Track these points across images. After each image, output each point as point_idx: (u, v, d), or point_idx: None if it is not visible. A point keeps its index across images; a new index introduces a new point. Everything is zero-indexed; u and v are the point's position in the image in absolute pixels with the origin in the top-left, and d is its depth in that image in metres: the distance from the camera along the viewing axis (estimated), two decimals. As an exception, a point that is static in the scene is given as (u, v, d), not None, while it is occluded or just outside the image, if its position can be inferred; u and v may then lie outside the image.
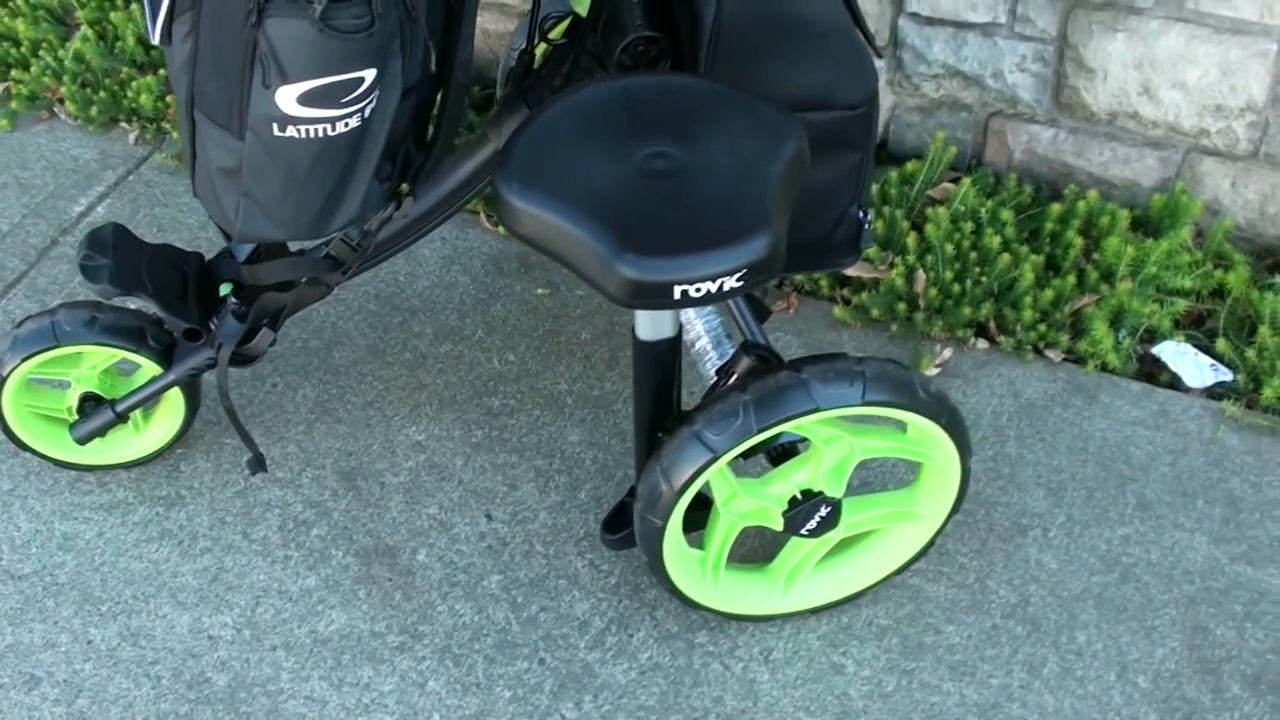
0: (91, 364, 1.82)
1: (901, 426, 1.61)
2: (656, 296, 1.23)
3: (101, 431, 1.84)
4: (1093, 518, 1.87)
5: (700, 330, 1.67)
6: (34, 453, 1.90)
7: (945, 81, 2.24)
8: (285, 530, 1.89)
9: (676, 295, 1.23)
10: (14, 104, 2.50)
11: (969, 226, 2.14)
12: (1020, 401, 2.03)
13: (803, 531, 1.62)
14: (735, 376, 1.56)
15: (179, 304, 1.74)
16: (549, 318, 2.16)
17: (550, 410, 2.03)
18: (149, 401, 1.84)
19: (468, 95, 1.56)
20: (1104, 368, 2.06)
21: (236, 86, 1.33)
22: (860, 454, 1.60)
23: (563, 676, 1.72)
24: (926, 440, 1.59)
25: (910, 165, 2.24)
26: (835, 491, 1.60)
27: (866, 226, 1.75)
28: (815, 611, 1.77)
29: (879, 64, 2.26)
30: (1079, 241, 2.12)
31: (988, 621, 1.76)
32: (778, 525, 1.62)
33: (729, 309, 1.72)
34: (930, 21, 2.18)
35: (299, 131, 1.33)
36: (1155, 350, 2.07)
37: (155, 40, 1.37)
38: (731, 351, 1.61)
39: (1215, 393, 2.03)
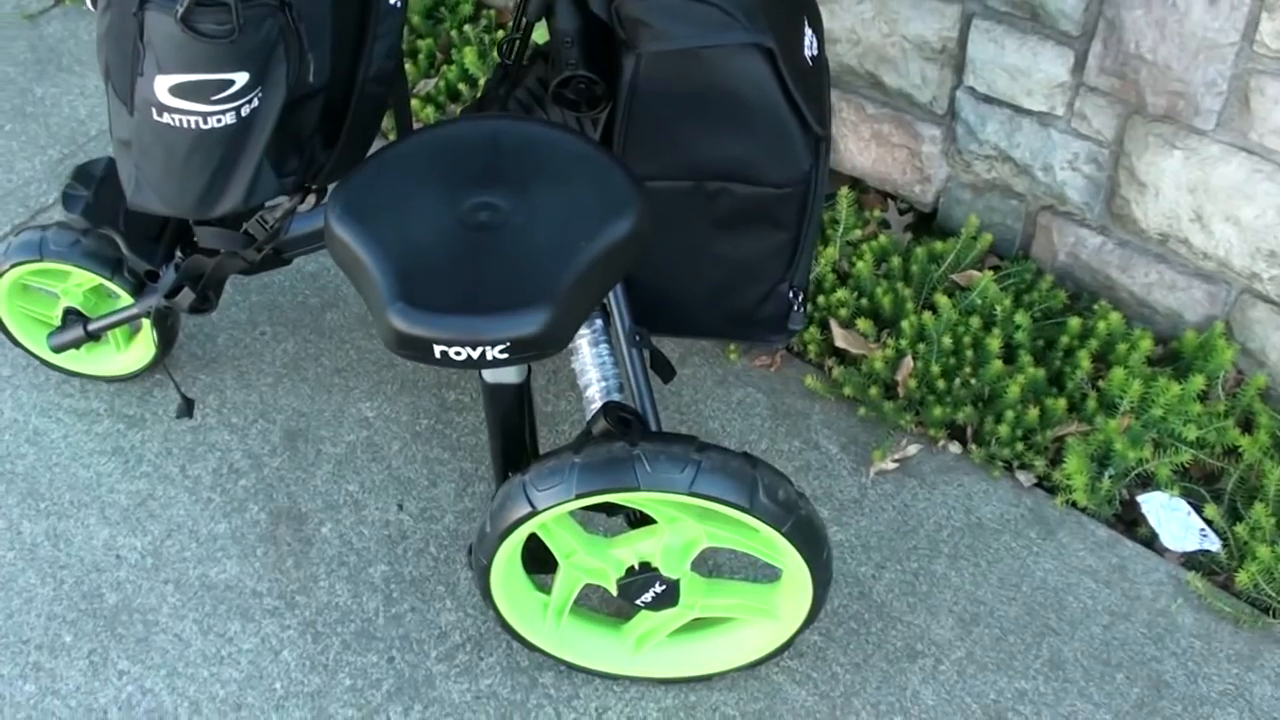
0: (77, 282, 1.96)
1: (756, 523, 1.54)
2: (416, 350, 1.22)
3: (75, 344, 1.98)
4: (994, 662, 1.74)
5: (593, 379, 1.64)
6: (25, 350, 2.06)
7: (997, 165, 2.09)
8: (218, 474, 1.99)
9: (436, 354, 1.22)
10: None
11: (977, 322, 2.01)
12: (970, 519, 1.90)
13: (637, 602, 1.59)
14: (591, 435, 1.53)
15: (148, 245, 1.84)
16: (536, 324, 2.16)
17: (497, 416, 2.04)
18: (117, 326, 1.96)
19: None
20: (1075, 505, 1.90)
21: (129, 67, 1.39)
22: (709, 540, 1.55)
23: (404, 680, 1.75)
24: (773, 545, 1.52)
25: (940, 244, 2.12)
26: (673, 571, 1.55)
27: (797, 308, 1.68)
28: (664, 682, 1.73)
29: (938, 135, 2.13)
30: (1088, 364, 1.95)
31: (835, 740, 1.68)
32: (613, 590, 1.59)
33: (621, 362, 1.68)
34: (987, 100, 2.03)
35: (174, 120, 1.38)
36: (1140, 498, 1.90)
37: (88, 4, 1.45)
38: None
39: (1197, 560, 1.85)
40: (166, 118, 1.39)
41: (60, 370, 2.09)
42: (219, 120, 1.39)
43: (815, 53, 1.61)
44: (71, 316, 1.98)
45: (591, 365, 1.65)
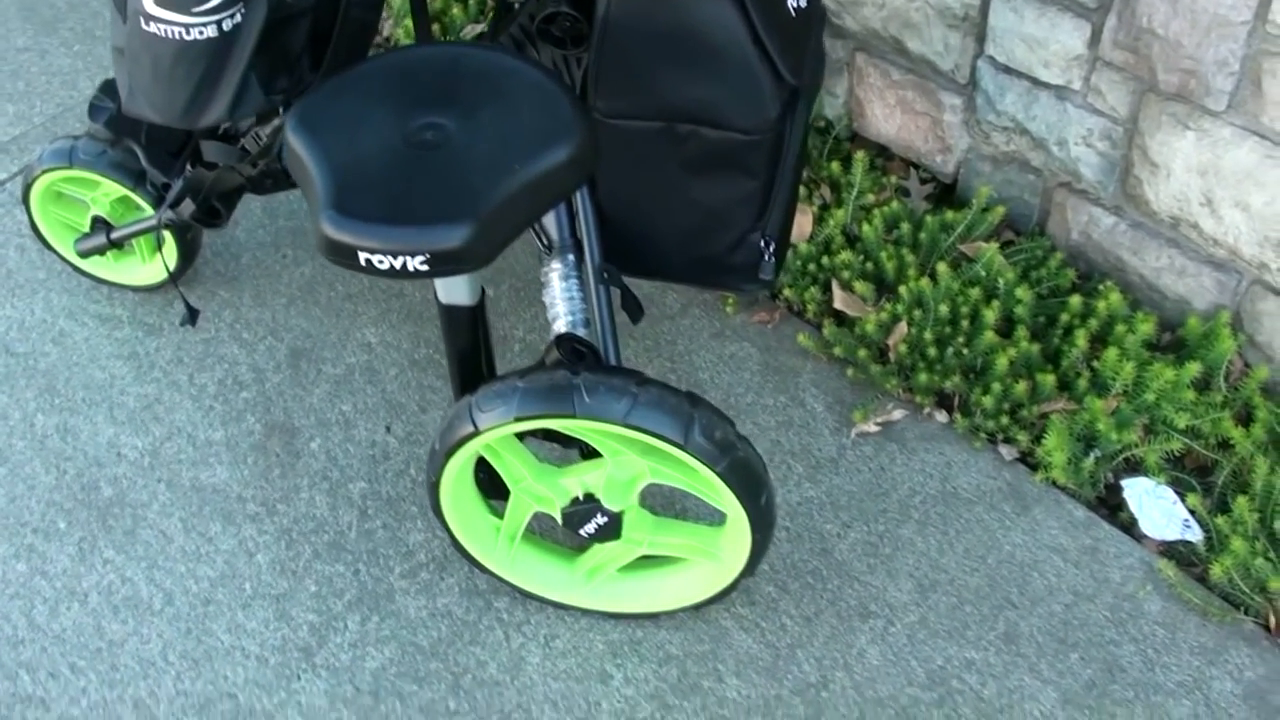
0: (105, 191, 2.05)
1: (700, 463, 1.56)
2: (344, 257, 1.26)
3: (98, 250, 2.08)
4: (946, 629, 1.73)
5: (559, 312, 1.66)
6: (57, 254, 2.17)
7: (1015, 137, 2.06)
8: (223, 384, 2.07)
9: (362, 261, 1.26)
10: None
11: (977, 293, 1.99)
12: (946, 487, 1.89)
13: (581, 533, 1.62)
14: (544, 365, 1.56)
15: (166, 159, 1.92)
16: (544, 266, 2.20)
17: (496, 350, 2.08)
18: (137, 236, 2.05)
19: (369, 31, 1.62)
20: (1055, 483, 1.87)
21: (122, -26, 1.46)
22: (652, 476, 1.57)
23: (365, 591, 1.80)
24: (713, 486, 1.54)
25: (951, 213, 2.10)
26: (615, 504, 1.58)
27: (768, 258, 1.68)
28: (614, 616, 1.76)
29: (959, 104, 2.11)
30: (1084, 343, 1.92)
31: (774, 690, 1.69)
32: (559, 518, 1.62)
33: (589, 298, 1.70)
34: (1006, 70, 2.00)
35: (159, 30, 1.45)
36: (1124, 483, 1.86)
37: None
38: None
39: (1175, 550, 1.81)
40: (153, 27, 1.45)
41: (90, 277, 2.19)
42: (200, 32, 1.45)
43: (802, 4, 1.61)
44: (99, 224, 2.07)
45: (559, 299, 1.68)
